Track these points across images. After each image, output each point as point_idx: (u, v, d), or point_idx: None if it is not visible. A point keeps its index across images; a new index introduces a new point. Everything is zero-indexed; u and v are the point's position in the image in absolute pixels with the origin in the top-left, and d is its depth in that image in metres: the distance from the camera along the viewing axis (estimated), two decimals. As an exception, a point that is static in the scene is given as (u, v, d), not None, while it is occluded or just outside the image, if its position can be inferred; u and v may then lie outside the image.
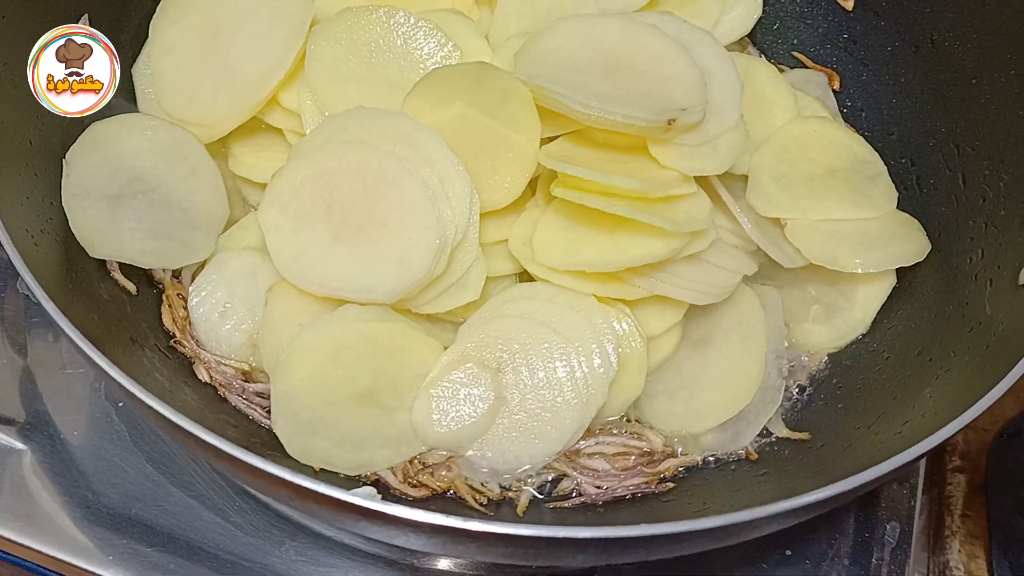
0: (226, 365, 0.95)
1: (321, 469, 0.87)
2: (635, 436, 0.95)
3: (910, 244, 1.00)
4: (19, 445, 1.00)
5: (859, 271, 0.98)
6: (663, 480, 0.93)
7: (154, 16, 1.03)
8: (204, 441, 0.68)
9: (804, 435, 0.95)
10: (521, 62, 0.94)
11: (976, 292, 0.93)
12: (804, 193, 1.01)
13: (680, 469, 0.94)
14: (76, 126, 0.97)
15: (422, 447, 0.90)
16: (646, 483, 0.92)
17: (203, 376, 0.93)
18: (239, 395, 0.93)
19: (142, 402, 0.70)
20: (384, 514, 0.65)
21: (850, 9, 1.14)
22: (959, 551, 1.07)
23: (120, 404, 1.02)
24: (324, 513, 0.75)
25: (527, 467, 0.91)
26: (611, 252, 0.91)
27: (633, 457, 0.93)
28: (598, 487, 0.92)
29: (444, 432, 0.89)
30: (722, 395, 0.95)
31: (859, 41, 1.14)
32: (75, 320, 0.74)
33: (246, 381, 0.94)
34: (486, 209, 0.93)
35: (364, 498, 0.66)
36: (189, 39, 1.02)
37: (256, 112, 1.00)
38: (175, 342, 0.95)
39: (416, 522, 0.65)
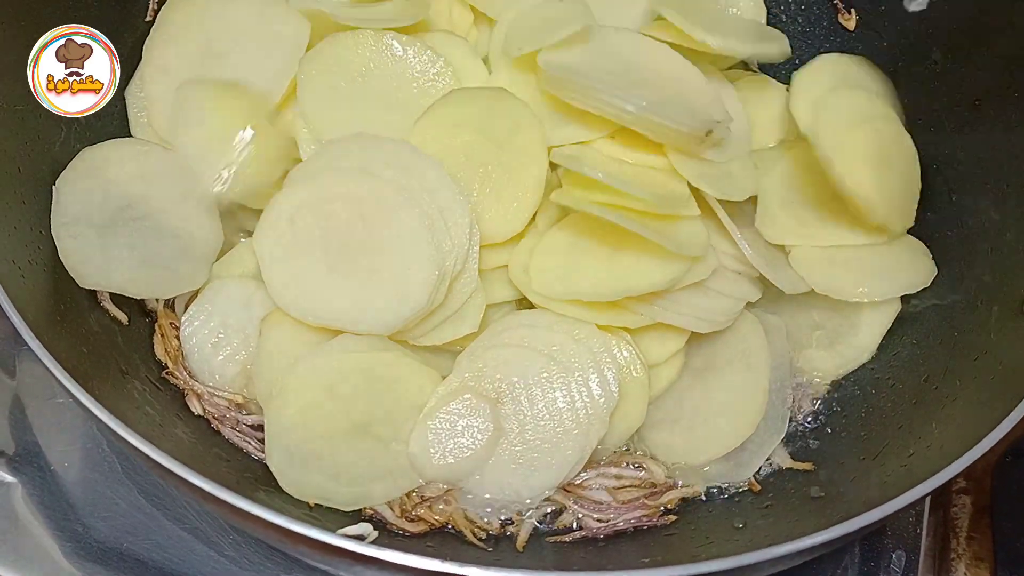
0: (219, 397, 0.93)
1: (316, 504, 0.85)
2: (637, 467, 0.93)
3: (915, 272, 0.99)
4: (9, 478, 0.99)
5: (864, 300, 0.97)
6: (665, 512, 0.91)
7: (148, 38, 1.02)
8: (191, 482, 0.66)
9: (807, 466, 0.94)
10: (547, 65, 0.93)
11: (981, 319, 0.91)
12: (811, 219, 0.99)
13: (682, 501, 0.92)
14: (66, 152, 0.96)
15: (419, 480, 0.89)
16: (648, 516, 0.91)
17: (196, 408, 0.92)
18: (232, 428, 0.92)
19: (128, 442, 0.68)
20: (376, 559, 0.64)
21: (852, 30, 1.13)
22: (965, 574, 1.06)
23: (112, 434, 1.01)
24: (316, 556, 0.74)
25: (527, 500, 0.89)
26: (609, 281, 0.89)
27: (635, 489, 0.92)
28: (599, 520, 0.90)
29: (442, 464, 0.88)
30: (725, 425, 0.93)
31: (863, 61, 1.12)
32: (60, 356, 0.73)
33: (240, 413, 0.93)
34: (487, 242, 0.92)
35: (355, 542, 0.64)
36: (182, 61, 1.01)
37: None
38: (167, 373, 0.94)
39: (410, 567, 0.64)
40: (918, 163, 1.02)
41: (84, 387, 0.71)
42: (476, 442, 0.88)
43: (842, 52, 1.13)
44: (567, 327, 0.91)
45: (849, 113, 1.00)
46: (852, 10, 1.13)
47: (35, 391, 1.04)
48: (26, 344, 1.03)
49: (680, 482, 0.93)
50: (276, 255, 0.90)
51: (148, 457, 0.68)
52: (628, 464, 0.93)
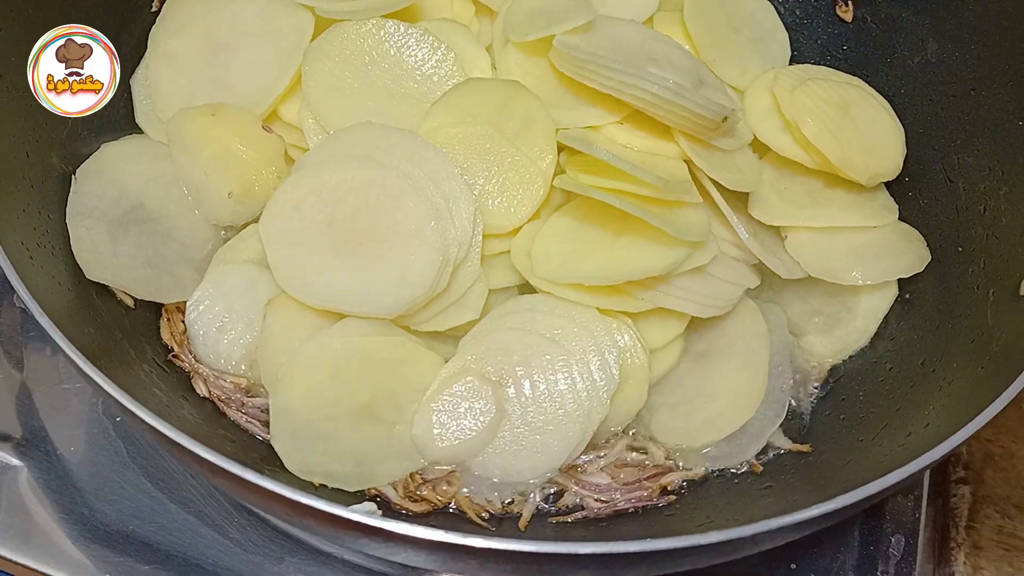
0: (224, 380, 0.94)
1: (321, 485, 0.86)
2: (637, 450, 0.94)
3: (909, 256, 1.00)
4: (15, 461, 1.00)
5: (858, 283, 0.98)
6: (665, 493, 0.92)
7: (153, 27, 1.03)
8: (202, 457, 0.67)
9: (805, 447, 0.95)
10: (565, 46, 0.94)
11: (977, 303, 0.92)
12: (807, 203, 1.01)
13: (683, 482, 0.93)
14: (73, 140, 0.97)
15: (423, 462, 0.90)
16: (648, 496, 0.92)
17: (202, 391, 0.93)
18: (238, 409, 0.93)
19: (140, 418, 0.69)
20: (383, 530, 0.65)
21: (849, 21, 1.15)
22: (964, 563, 1.07)
23: (118, 419, 1.02)
24: (322, 529, 0.75)
25: (529, 481, 0.90)
26: (610, 265, 0.90)
27: (635, 470, 0.93)
28: (600, 501, 0.91)
29: (445, 446, 0.89)
30: (725, 409, 0.94)
31: (858, 52, 1.14)
32: (71, 336, 0.73)
33: (245, 395, 0.94)
34: (489, 232, 0.93)
35: (362, 514, 0.65)
36: (188, 51, 1.02)
37: None
38: (173, 356, 0.94)
39: (415, 538, 0.64)
40: (888, 115, 1.05)
41: (96, 366, 0.72)
42: (478, 424, 0.89)
43: (840, 43, 1.15)
44: (568, 311, 0.91)
45: (795, 76, 1.05)
46: (849, 2, 1.14)
47: (41, 377, 1.04)
48: (33, 331, 1.07)
49: (681, 464, 0.94)
50: (282, 241, 0.91)
51: (160, 433, 0.68)
52: (629, 447, 0.94)
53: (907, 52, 1.08)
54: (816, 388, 1.01)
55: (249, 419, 0.92)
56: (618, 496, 0.91)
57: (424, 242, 0.89)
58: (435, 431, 0.89)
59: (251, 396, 0.94)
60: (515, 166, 0.95)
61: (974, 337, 0.90)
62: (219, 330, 0.95)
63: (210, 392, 0.93)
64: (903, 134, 1.05)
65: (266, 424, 0.91)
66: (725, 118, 0.93)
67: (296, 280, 0.90)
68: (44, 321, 0.73)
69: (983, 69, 1.00)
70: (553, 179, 0.95)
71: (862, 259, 0.99)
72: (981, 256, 0.95)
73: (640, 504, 0.91)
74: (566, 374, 0.90)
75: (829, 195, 1.02)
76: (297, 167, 0.94)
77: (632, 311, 0.92)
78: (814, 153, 1.00)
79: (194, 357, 0.95)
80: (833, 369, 1.02)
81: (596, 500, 0.91)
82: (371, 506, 0.83)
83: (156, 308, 0.98)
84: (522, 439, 0.89)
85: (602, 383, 0.89)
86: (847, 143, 0.99)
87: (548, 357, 0.90)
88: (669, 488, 0.92)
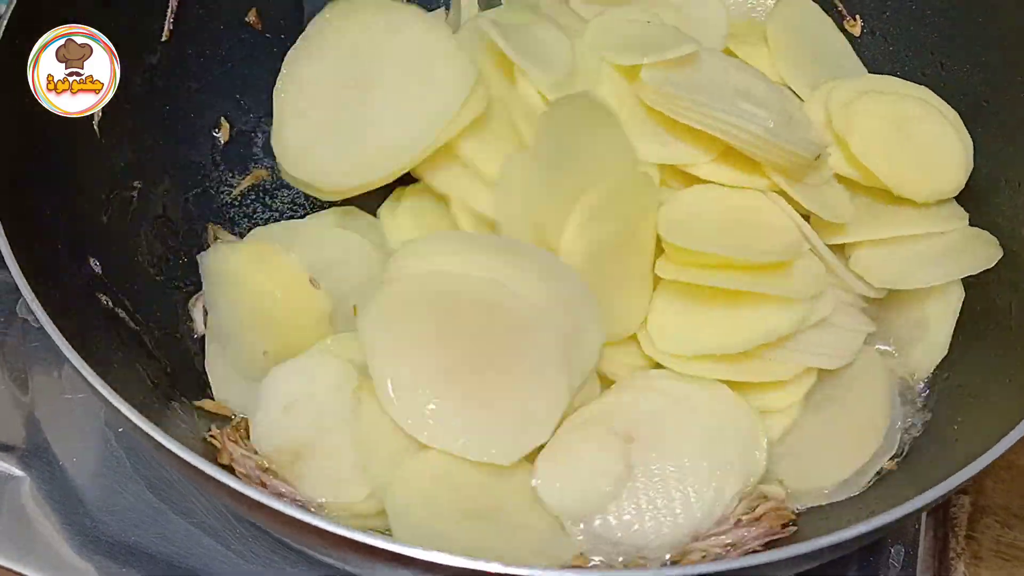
0: (250, 458, 0.86)
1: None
2: (759, 498, 0.88)
3: (976, 254, 0.95)
4: (18, 472, 0.99)
5: (923, 285, 0.94)
6: (786, 525, 0.87)
7: (291, 50, 0.97)
8: (221, 483, 0.66)
9: (892, 465, 0.92)
10: (654, 81, 0.90)
11: (1001, 316, 0.92)
12: (867, 219, 0.97)
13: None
14: (86, 145, 0.94)
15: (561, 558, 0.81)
16: (771, 530, 0.85)
17: (224, 460, 0.85)
18: (260, 484, 0.84)
19: (168, 451, 0.68)
20: (398, 555, 0.63)
21: (858, 35, 1.14)
22: (964, 573, 1.07)
23: (120, 430, 1.01)
24: (328, 551, 0.74)
25: (656, 546, 0.82)
26: (732, 332, 0.87)
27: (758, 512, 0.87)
28: (727, 545, 0.84)
29: (567, 499, 0.83)
30: (845, 453, 0.90)
31: (868, 67, 1.12)
32: (89, 359, 0.72)
33: (268, 476, 0.86)
34: (608, 341, 0.86)
35: (375, 537, 0.64)
36: (323, 84, 0.93)
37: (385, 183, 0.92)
38: (211, 436, 0.88)
39: (432, 563, 0.63)
40: (953, 130, 1.01)
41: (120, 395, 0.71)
42: (605, 477, 0.83)
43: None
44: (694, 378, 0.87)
45: (853, 89, 1.02)
46: (857, 16, 1.14)
47: (45, 388, 1.04)
48: (37, 342, 1.05)
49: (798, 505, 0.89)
50: (384, 351, 0.82)
51: (179, 459, 0.67)
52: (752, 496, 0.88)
53: (916, 64, 1.08)
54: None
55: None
56: (746, 535, 0.84)
57: (550, 382, 0.81)
58: (557, 482, 0.82)
59: (274, 478, 0.86)
60: (632, 259, 0.89)
61: (1004, 350, 0.89)
62: (286, 410, 0.87)
63: (234, 470, 0.85)
64: (970, 149, 1.00)
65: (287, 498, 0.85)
66: (818, 156, 0.91)
67: (400, 409, 0.81)
68: (72, 356, 0.71)
69: (994, 80, 1.00)
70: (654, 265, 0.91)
71: (928, 263, 0.95)
72: (1000, 268, 0.94)
73: (766, 537, 0.85)
74: (698, 433, 0.85)
75: (890, 210, 0.99)
76: (410, 265, 0.84)
77: (766, 379, 0.87)
78: (863, 171, 0.97)
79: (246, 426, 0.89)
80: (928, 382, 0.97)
81: (720, 547, 0.84)
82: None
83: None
84: (648, 500, 0.83)
85: (735, 452, 0.85)
86: (898, 161, 0.96)
87: (677, 417, 0.85)
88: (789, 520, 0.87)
